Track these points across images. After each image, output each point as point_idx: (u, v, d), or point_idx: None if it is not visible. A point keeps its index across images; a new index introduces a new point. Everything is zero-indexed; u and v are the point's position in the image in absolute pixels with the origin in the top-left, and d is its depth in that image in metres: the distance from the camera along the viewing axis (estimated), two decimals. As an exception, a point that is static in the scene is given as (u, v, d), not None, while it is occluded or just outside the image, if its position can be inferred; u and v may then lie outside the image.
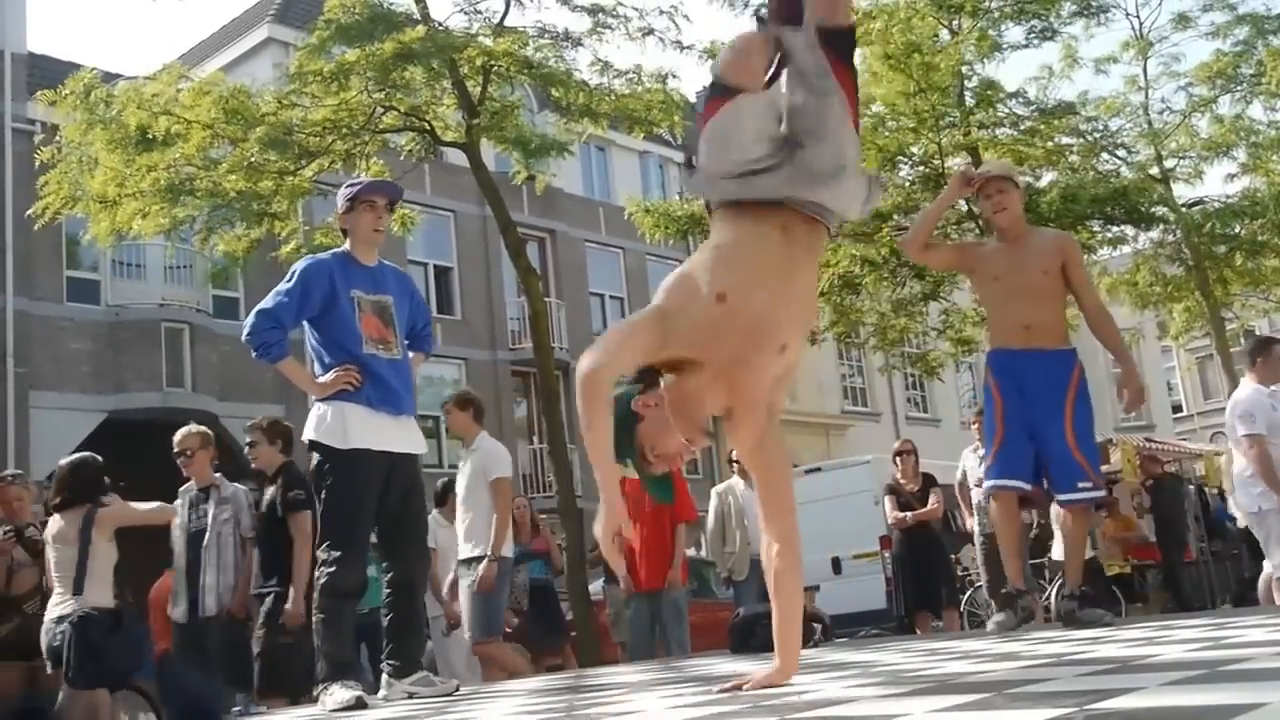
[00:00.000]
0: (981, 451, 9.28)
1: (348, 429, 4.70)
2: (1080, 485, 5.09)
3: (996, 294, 5.34)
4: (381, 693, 4.83)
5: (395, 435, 4.84)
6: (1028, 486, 5.26)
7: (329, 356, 4.82)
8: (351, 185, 5.07)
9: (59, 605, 5.75)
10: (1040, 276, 5.18)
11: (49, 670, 5.85)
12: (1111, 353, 5.39)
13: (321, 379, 4.80)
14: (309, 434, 4.81)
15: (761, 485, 3.09)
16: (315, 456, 4.80)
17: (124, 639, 5.76)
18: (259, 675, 6.36)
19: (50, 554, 5.91)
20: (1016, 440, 5.17)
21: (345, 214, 5.01)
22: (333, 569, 4.66)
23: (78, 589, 5.73)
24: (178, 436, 6.87)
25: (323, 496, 4.77)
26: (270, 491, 6.54)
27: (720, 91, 3.01)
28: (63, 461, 6.10)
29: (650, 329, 2.84)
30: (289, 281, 4.85)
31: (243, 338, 4.83)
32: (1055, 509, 7.73)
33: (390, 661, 4.85)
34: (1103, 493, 5.32)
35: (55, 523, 5.94)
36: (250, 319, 4.81)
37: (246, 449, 6.90)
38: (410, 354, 5.14)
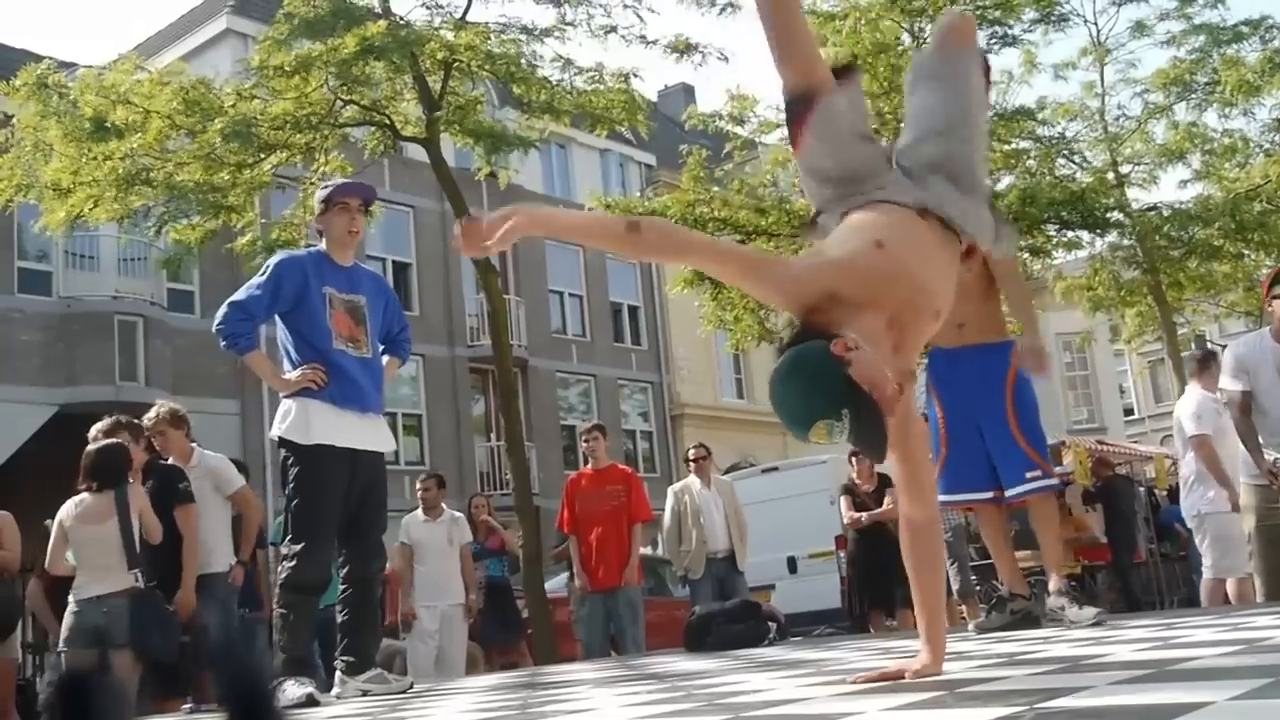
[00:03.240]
0: None
1: (310, 424, 4.71)
2: (1029, 475, 4.93)
3: None
4: (335, 690, 4.81)
5: (360, 433, 4.85)
6: (980, 496, 5.10)
7: (297, 352, 4.84)
8: (327, 187, 5.11)
9: (96, 584, 5.65)
10: (964, 273, 5.08)
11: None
12: (1015, 312, 5.20)
13: (287, 375, 4.82)
14: (275, 431, 4.82)
15: (911, 463, 2.83)
16: (282, 453, 4.81)
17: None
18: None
19: (73, 534, 5.76)
20: (962, 447, 5.02)
21: (320, 215, 5.06)
22: (294, 564, 4.66)
23: (132, 564, 5.67)
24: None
25: (287, 492, 4.77)
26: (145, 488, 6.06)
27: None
28: (92, 445, 5.97)
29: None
30: (262, 275, 4.89)
31: (213, 328, 4.84)
32: None
33: (344, 658, 4.83)
34: (1054, 481, 5.07)
35: (73, 506, 5.79)
36: (222, 309, 4.84)
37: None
38: (386, 358, 5.17)
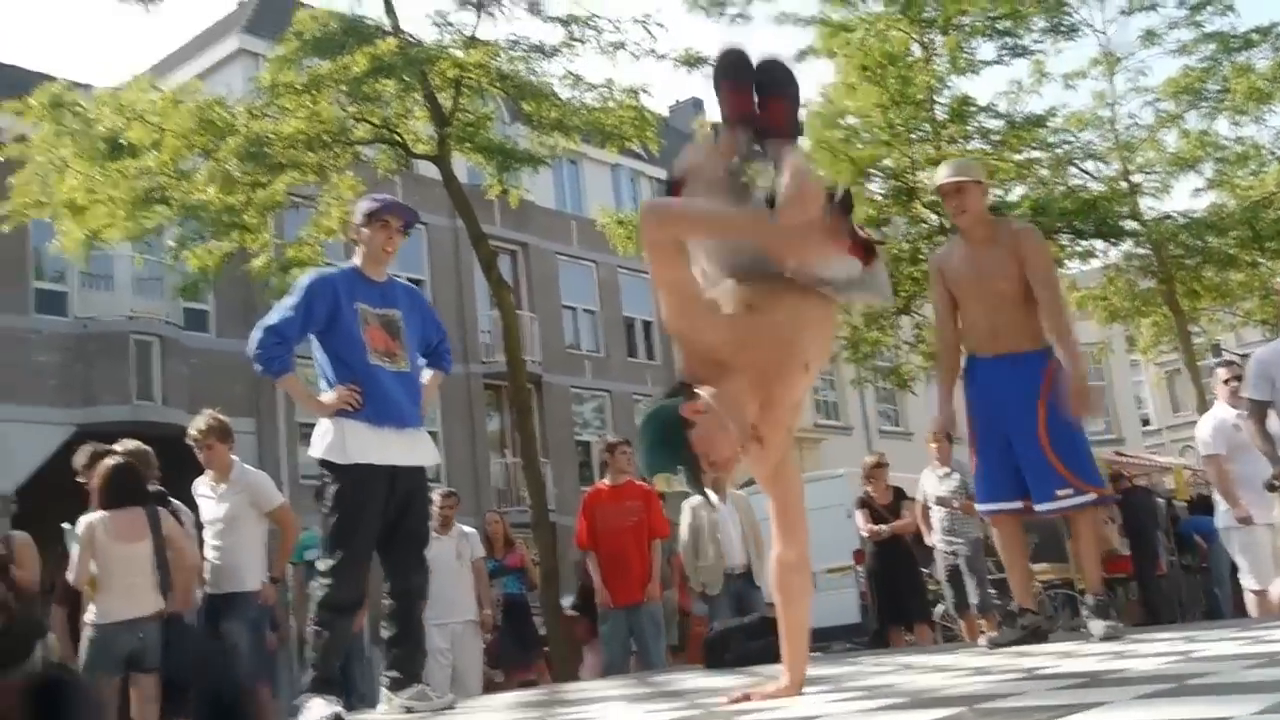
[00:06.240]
0: (941, 471, 9.35)
1: (347, 444, 4.68)
2: (1058, 493, 4.79)
3: (962, 298, 5.12)
4: (380, 706, 4.80)
5: (399, 449, 4.81)
6: (1015, 505, 4.98)
7: (334, 370, 4.79)
8: (373, 200, 5.05)
9: (127, 607, 5.59)
10: (1003, 283, 4.94)
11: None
12: (1059, 347, 4.93)
13: (322, 397, 4.76)
14: (314, 451, 4.79)
15: (778, 505, 3.19)
16: (323, 473, 4.80)
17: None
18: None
19: (104, 551, 5.63)
20: (993, 457, 4.97)
21: (359, 227, 4.98)
22: (331, 582, 4.64)
23: (164, 586, 5.64)
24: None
25: (326, 510, 4.75)
26: None
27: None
28: (109, 461, 5.89)
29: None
30: (293, 295, 4.83)
31: (248, 351, 4.78)
32: None
33: (389, 674, 4.81)
34: (1087, 498, 4.85)
35: (106, 520, 5.69)
36: (255, 334, 4.78)
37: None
38: (430, 372, 5.17)
